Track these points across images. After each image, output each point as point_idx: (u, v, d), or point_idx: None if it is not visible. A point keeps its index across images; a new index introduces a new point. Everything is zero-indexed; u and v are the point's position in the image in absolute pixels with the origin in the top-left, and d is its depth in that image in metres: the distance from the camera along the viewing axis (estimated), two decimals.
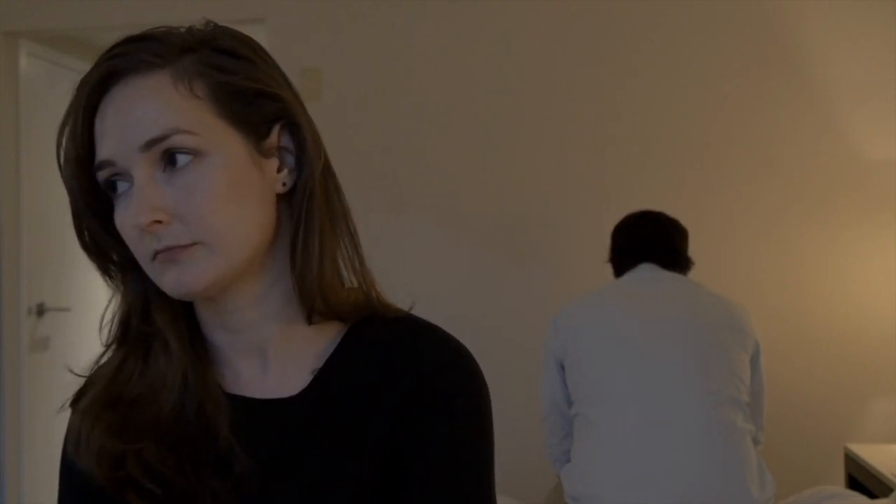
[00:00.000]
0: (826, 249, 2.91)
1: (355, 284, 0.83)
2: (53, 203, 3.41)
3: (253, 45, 0.81)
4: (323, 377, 0.81)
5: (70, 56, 3.75)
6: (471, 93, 3.09)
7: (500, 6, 3.07)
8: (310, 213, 0.78)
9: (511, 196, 3.06)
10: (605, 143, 3.03)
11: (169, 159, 0.74)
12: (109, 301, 0.84)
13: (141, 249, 0.76)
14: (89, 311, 3.45)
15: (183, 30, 0.79)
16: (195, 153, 0.74)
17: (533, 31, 3.06)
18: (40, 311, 3.56)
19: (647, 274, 2.14)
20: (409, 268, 3.03)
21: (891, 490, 2.22)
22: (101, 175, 0.77)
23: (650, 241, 2.19)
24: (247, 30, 0.85)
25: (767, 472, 1.93)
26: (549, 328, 2.17)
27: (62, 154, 0.78)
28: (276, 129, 0.79)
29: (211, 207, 0.74)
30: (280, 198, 0.80)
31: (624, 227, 2.28)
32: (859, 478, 2.50)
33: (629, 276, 2.17)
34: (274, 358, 0.82)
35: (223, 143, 0.75)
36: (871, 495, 2.33)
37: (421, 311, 0.87)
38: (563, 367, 2.11)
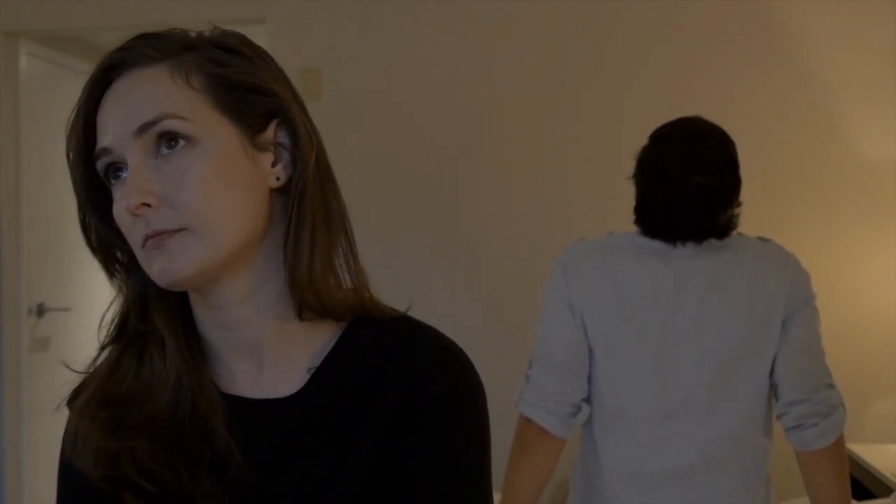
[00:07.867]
0: (826, 249, 2.91)
1: (350, 285, 0.83)
2: (53, 203, 3.41)
3: (255, 47, 0.82)
4: (319, 377, 0.81)
5: (70, 56, 3.75)
6: (470, 92, 3.09)
7: (500, 6, 3.06)
8: (302, 207, 0.79)
9: (510, 194, 3.06)
10: (605, 143, 3.02)
11: (161, 145, 0.75)
12: (112, 302, 0.84)
13: (133, 235, 0.76)
14: (89, 311, 3.45)
15: (193, 33, 0.80)
16: (186, 139, 0.75)
17: (532, 34, 3.06)
18: (40, 311, 3.56)
19: (685, 264, 1.72)
20: (410, 266, 3.04)
21: (891, 490, 2.22)
22: (100, 164, 0.78)
23: (699, 218, 1.72)
24: (247, 30, 0.86)
25: (772, 494, 1.87)
26: (552, 271, 1.86)
27: (68, 149, 0.80)
28: (272, 125, 0.80)
29: (199, 192, 0.75)
30: (276, 193, 0.80)
31: (670, 180, 1.76)
32: (859, 478, 2.49)
33: (658, 263, 1.74)
34: (269, 357, 0.82)
35: (215, 132, 0.77)
36: (871, 495, 2.34)
37: (421, 310, 0.87)
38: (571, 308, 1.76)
